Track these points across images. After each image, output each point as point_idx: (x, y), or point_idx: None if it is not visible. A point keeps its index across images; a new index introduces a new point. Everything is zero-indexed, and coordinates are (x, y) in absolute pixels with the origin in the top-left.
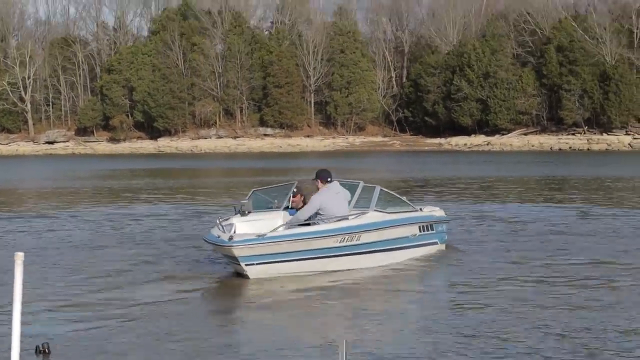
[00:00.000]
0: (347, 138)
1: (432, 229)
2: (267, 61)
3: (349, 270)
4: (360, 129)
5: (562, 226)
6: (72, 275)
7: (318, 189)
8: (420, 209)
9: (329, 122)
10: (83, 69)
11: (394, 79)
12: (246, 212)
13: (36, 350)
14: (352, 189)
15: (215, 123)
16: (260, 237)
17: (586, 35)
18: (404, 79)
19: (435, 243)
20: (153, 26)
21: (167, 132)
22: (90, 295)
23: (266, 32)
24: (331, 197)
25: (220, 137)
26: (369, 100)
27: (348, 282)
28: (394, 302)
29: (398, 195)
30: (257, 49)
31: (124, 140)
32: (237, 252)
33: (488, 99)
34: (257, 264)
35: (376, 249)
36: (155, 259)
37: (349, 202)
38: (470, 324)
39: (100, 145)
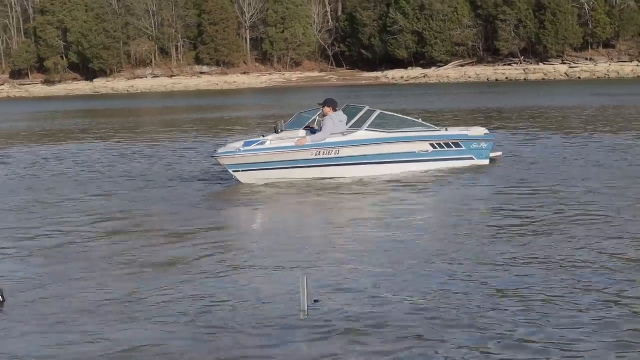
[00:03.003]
0: (283, 74)
1: (459, 146)
2: None
3: (355, 180)
4: (296, 65)
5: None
6: (24, 218)
7: (324, 114)
8: (446, 129)
9: (265, 59)
10: (16, 11)
11: (329, 13)
12: (279, 131)
13: None
14: (356, 111)
15: (151, 62)
16: (238, 149)
17: None
18: (340, 13)
19: (471, 159)
20: None
21: (102, 73)
22: (42, 238)
23: None
24: (337, 123)
25: (156, 76)
26: (305, 35)
27: (354, 193)
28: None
29: (408, 118)
30: None
31: (60, 82)
32: (221, 161)
33: (424, 32)
34: (242, 170)
35: (367, 161)
36: (108, 196)
37: (346, 123)
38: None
39: (36, 88)
